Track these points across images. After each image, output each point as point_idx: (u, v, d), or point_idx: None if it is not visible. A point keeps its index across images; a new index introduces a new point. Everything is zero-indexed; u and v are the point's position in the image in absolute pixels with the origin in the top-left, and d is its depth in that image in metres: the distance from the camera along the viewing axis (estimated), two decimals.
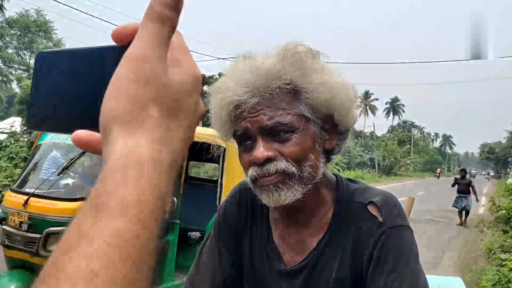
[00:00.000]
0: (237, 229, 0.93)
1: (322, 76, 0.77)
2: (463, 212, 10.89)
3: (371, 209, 0.80)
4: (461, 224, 10.76)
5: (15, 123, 14.86)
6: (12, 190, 3.37)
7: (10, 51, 39.25)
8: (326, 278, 0.81)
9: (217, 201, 3.67)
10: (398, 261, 0.74)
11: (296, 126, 0.75)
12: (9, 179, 8.56)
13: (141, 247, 0.27)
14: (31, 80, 0.39)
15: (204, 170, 10.25)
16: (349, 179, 0.90)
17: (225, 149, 3.45)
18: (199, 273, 0.92)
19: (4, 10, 34.64)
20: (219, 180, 3.70)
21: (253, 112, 0.75)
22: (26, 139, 10.66)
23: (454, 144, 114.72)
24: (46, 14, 40.65)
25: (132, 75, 0.30)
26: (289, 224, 0.87)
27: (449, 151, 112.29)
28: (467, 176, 11.84)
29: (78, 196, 3.19)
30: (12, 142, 10.94)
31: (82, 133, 0.33)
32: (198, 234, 3.85)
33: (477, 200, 11.42)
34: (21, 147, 10.45)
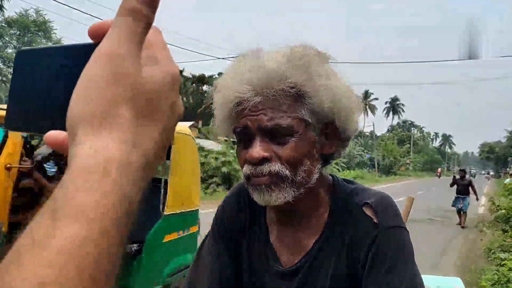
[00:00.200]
0: (236, 229, 0.94)
1: (327, 82, 0.77)
2: (462, 212, 10.84)
3: (367, 210, 0.80)
4: (460, 223, 10.73)
5: None
6: None
7: (9, 51, 39.20)
8: (322, 279, 0.81)
9: (161, 205, 3.27)
10: (394, 261, 0.75)
11: (295, 130, 0.75)
12: None
13: (99, 255, 0.24)
14: None
15: None
16: (345, 180, 0.90)
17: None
18: (198, 273, 0.92)
19: (4, 10, 34.65)
20: (163, 179, 3.34)
21: (254, 111, 0.76)
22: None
23: (453, 143, 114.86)
24: (45, 14, 40.69)
25: (101, 73, 0.29)
26: (285, 225, 0.87)
27: (449, 150, 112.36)
28: (467, 176, 11.81)
29: None
30: None
31: (57, 134, 0.32)
32: (135, 246, 3.10)
33: (477, 199, 11.41)
34: None
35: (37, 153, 3.81)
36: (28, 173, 3.36)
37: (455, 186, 10.95)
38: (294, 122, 0.75)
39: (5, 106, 0.40)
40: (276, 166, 0.75)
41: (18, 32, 39.67)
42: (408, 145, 62.97)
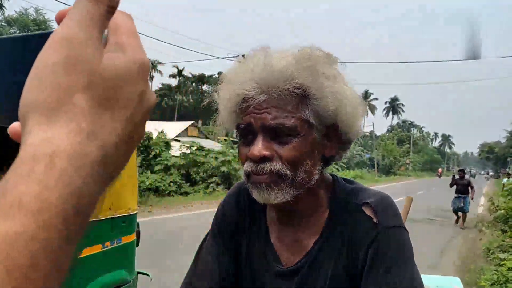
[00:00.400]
0: (235, 229, 0.94)
1: (334, 85, 0.77)
2: (459, 213, 10.73)
3: (366, 210, 0.80)
4: (457, 222, 10.65)
5: None
6: None
7: None
8: (322, 278, 0.81)
9: None
10: (393, 261, 0.75)
11: (298, 130, 0.76)
12: None
13: (37, 251, 0.22)
14: None
15: None
16: (345, 179, 0.90)
17: None
18: (197, 272, 0.92)
19: (4, 9, 34.62)
20: None
21: (259, 108, 0.76)
22: None
23: (453, 143, 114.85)
24: (45, 13, 40.65)
25: (56, 59, 0.27)
26: (285, 225, 0.88)
27: (448, 150, 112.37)
28: (466, 176, 11.80)
29: None
30: None
31: (18, 125, 0.29)
32: None
33: (472, 198, 11.34)
34: None
35: None
36: None
37: (455, 186, 10.94)
38: (297, 122, 0.75)
39: None
40: (277, 165, 0.75)
41: (18, 31, 39.63)
42: (408, 145, 62.98)
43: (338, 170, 28.33)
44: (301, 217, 0.85)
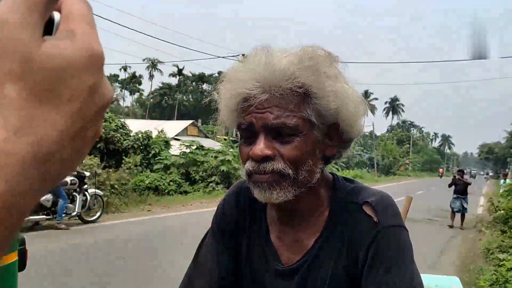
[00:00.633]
0: (235, 228, 0.94)
1: (335, 85, 0.77)
2: (456, 214, 10.53)
3: (366, 209, 0.80)
4: (452, 226, 10.40)
5: None
6: None
7: None
8: (322, 277, 0.81)
9: None
10: (393, 260, 0.75)
11: (300, 129, 0.75)
12: None
13: None
14: None
15: None
16: (346, 178, 0.90)
17: None
18: (197, 270, 0.92)
19: None
20: None
21: (261, 108, 0.76)
22: None
23: (453, 144, 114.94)
24: None
25: None
26: (286, 224, 0.87)
27: (448, 151, 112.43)
28: (466, 176, 11.76)
29: None
30: None
31: None
32: None
33: (469, 183, 11.15)
34: None
35: None
36: None
37: (453, 186, 10.81)
38: (299, 122, 0.75)
39: None
40: (279, 165, 0.75)
41: None
42: (408, 145, 63.00)
43: (338, 170, 28.33)
44: (301, 216, 0.85)
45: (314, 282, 0.82)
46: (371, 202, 0.80)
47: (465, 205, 10.50)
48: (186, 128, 29.99)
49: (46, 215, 7.49)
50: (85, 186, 8.31)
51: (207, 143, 20.78)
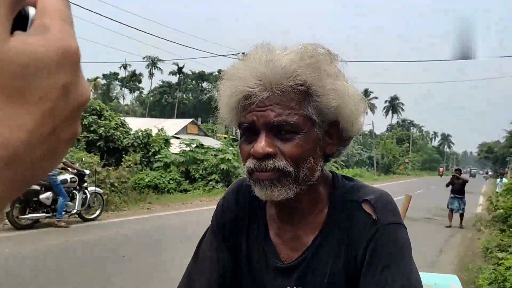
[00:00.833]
0: (235, 225, 0.94)
1: (336, 82, 0.78)
2: (454, 215, 10.45)
3: (365, 207, 0.80)
4: (450, 226, 10.30)
5: None
6: None
7: None
8: (321, 275, 0.82)
9: None
10: (392, 258, 0.75)
11: (301, 127, 0.76)
12: None
13: None
14: None
15: None
16: (345, 177, 0.91)
17: None
18: (197, 268, 0.93)
19: None
20: None
21: (262, 106, 0.76)
22: None
23: (452, 143, 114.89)
24: None
25: None
26: (285, 221, 0.88)
27: (448, 150, 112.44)
28: (465, 176, 11.67)
29: None
30: None
31: None
32: None
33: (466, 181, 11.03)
34: None
35: None
36: None
37: (450, 186, 10.69)
38: (300, 119, 0.76)
39: None
40: (280, 162, 0.76)
41: None
42: (407, 144, 63.01)
43: (338, 169, 28.35)
44: (301, 214, 0.86)
45: (313, 279, 0.82)
46: (370, 200, 0.81)
47: (462, 205, 10.40)
48: (186, 127, 29.99)
49: (46, 213, 7.50)
50: (85, 184, 8.31)
51: (207, 141, 20.78)
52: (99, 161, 11.97)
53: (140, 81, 76.21)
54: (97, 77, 66.31)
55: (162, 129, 16.93)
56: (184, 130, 29.11)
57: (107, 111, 15.49)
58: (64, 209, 7.62)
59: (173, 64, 68.57)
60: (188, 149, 16.09)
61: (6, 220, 7.26)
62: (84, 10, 11.66)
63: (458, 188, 10.55)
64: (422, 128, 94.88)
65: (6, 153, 0.23)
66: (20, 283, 4.51)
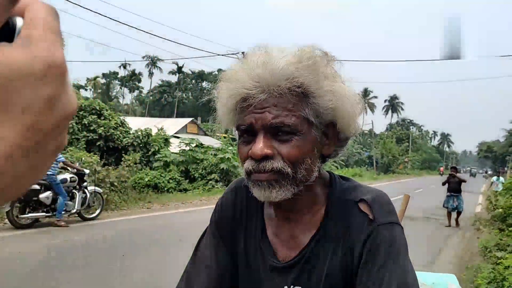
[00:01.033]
0: (233, 225, 0.95)
1: (333, 84, 0.79)
2: (452, 213, 10.40)
3: (362, 207, 0.81)
4: (449, 225, 10.26)
5: None
6: None
7: None
8: (318, 274, 0.82)
9: None
10: (388, 257, 0.76)
11: (298, 128, 0.77)
12: None
13: None
14: None
15: None
16: (342, 177, 0.92)
17: None
18: (196, 268, 0.94)
19: None
20: None
21: (260, 108, 0.77)
22: None
23: (452, 142, 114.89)
24: None
25: None
26: (282, 221, 0.89)
27: (447, 149, 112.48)
28: (465, 175, 11.66)
29: None
30: None
31: None
32: None
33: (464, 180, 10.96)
34: None
35: None
36: None
37: (447, 184, 10.59)
38: (298, 121, 0.76)
39: None
40: (278, 164, 0.77)
41: None
42: (407, 144, 63.02)
43: (337, 168, 28.38)
44: (298, 214, 0.86)
45: (310, 278, 0.83)
46: (367, 199, 0.82)
47: (460, 203, 10.33)
48: (185, 126, 29.99)
49: (46, 212, 7.50)
50: (85, 183, 8.32)
51: (207, 140, 20.79)
52: (99, 160, 11.96)
53: (139, 81, 76.14)
54: (97, 76, 66.31)
55: (161, 129, 16.94)
56: (184, 129, 29.12)
57: (106, 110, 15.48)
58: (64, 208, 7.63)
59: (172, 64, 68.59)
60: (187, 148, 16.10)
61: (6, 220, 7.27)
62: (84, 10, 11.65)
63: (454, 186, 10.46)
64: (422, 127, 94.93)
65: None
66: (20, 282, 4.52)
